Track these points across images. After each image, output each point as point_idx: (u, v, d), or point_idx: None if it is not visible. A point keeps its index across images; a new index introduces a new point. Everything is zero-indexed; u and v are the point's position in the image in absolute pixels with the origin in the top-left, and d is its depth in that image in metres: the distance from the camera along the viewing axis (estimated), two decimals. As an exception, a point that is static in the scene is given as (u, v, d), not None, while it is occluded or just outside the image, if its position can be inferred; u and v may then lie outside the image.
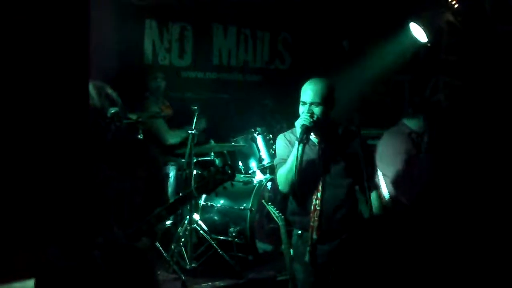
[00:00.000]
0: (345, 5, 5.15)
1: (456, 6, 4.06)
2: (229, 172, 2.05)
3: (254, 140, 4.24)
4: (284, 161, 2.53)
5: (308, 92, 2.49)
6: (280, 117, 4.95)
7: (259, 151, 4.25)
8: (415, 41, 4.34)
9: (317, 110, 2.46)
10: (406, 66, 5.15)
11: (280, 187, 2.58)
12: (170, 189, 3.83)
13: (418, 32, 4.27)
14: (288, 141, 2.58)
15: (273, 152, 4.33)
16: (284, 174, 2.49)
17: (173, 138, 4.20)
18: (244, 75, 5.55)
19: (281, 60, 5.82)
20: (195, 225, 3.62)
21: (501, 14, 4.02)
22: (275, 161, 2.65)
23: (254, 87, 5.55)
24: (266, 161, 4.24)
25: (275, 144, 4.34)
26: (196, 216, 3.71)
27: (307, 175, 2.47)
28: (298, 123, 2.45)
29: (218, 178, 2.04)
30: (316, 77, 2.59)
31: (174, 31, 5.02)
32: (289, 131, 2.65)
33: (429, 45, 4.25)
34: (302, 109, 2.50)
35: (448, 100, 4.86)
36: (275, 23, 5.63)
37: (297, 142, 2.41)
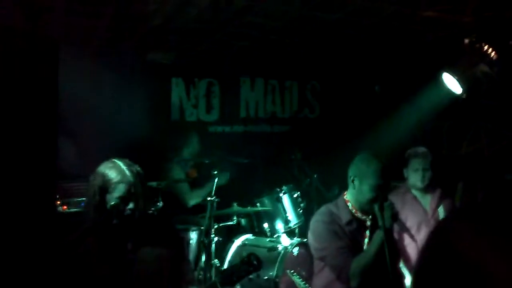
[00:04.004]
0: (375, 53, 4.98)
1: (492, 55, 3.77)
2: (255, 263, 1.93)
3: (279, 200, 4.07)
4: (341, 250, 2.29)
5: (385, 174, 2.35)
6: (308, 170, 4.77)
7: (285, 212, 4.06)
8: (450, 92, 4.08)
9: None
10: (444, 112, 4.87)
11: (353, 284, 2.27)
12: (191, 255, 3.72)
13: (452, 83, 4.01)
14: (337, 224, 2.36)
15: (300, 211, 4.14)
16: (363, 266, 2.24)
17: (194, 199, 4.12)
18: (272, 126, 5.46)
19: (310, 109, 5.69)
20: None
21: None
22: (327, 249, 2.33)
23: (283, 138, 5.43)
24: (293, 223, 4.05)
25: (303, 202, 4.20)
26: None
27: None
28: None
29: (243, 269, 1.93)
30: (369, 152, 2.45)
31: (201, 87, 5.04)
32: (331, 208, 2.41)
33: (464, 96, 3.96)
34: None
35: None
36: (303, 72, 5.53)
37: (380, 231, 2.22)
